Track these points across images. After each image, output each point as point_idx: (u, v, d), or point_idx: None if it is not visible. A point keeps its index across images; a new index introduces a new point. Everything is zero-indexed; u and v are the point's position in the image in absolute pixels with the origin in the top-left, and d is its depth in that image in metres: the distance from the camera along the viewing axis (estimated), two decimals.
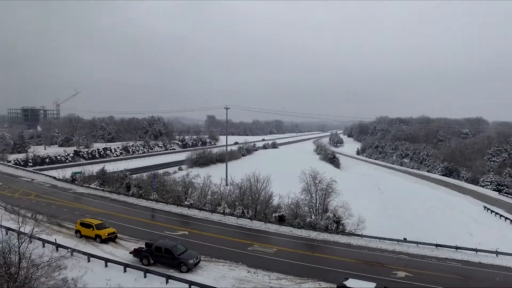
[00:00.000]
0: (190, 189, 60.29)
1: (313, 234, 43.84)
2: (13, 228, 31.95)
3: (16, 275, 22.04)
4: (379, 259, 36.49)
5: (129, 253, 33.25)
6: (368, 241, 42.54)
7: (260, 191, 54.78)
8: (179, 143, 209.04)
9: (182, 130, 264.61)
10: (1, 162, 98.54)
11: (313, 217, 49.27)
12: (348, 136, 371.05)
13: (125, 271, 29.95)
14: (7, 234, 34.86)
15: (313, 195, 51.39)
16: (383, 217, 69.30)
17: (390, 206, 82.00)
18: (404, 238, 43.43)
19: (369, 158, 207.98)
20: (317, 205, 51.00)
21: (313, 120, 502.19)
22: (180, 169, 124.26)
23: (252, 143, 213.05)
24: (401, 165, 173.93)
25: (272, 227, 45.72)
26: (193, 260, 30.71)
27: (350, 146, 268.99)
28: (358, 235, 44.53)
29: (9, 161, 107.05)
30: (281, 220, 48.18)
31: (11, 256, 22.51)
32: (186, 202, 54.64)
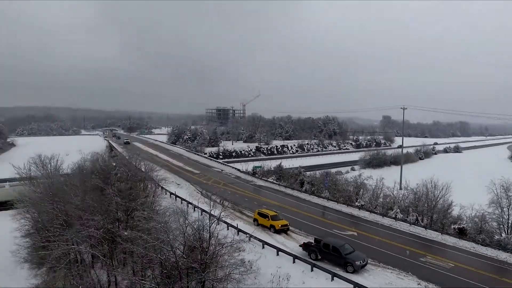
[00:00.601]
0: (362, 190, 59.61)
1: (502, 256, 37.81)
2: (206, 210, 37.65)
3: (207, 249, 26.23)
4: None
5: (299, 246, 35.20)
6: None
7: (438, 199, 50.26)
8: (353, 143, 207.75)
9: (356, 130, 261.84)
10: (200, 154, 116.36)
11: (503, 235, 42.61)
12: None
13: (294, 262, 31.94)
14: (201, 214, 41.24)
15: (505, 209, 44.40)
16: None
17: None
18: None
19: None
20: (510, 221, 43.87)
21: (509, 122, 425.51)
22: (352, 169, 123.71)
23: (431, 146, 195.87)
24: None
25: (450, 240, 41.47)
26: (360, 262, 30.58)
27: None
28: None
29: (205, 153, 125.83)
30: (461, 233, 43.29)
31: (204, 233, 26.83)
32: (356, 203, 54.34)
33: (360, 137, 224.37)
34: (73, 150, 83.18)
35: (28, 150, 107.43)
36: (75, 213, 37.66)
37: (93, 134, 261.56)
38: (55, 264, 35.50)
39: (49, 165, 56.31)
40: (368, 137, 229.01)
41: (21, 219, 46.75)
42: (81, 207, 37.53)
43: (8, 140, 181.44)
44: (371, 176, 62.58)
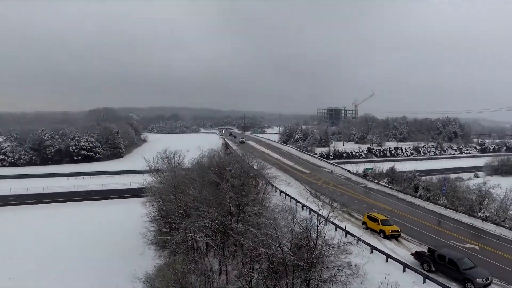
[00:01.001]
0: (487, 199, 53.64)
1: None
2: (315, 209, 37.99)
3: (313, 249, 26.57)
4: None
5: (410, 254, 33.37)
6: None
7: None
8: (477, 147, 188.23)
9: (481, 132, 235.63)
10: (310, 154, 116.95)
11: None
12: None
13: (404, 271, 30.37)
14: (310, 213, 41.72)
15: None
16: None
17: None
18: None
19: None
20: None
21: None
22: (476, 176, 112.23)
23: None
24: None
25: None
26: (483, 280, 27.38)
27: None
28: None
29: (316, 153, 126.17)
30: None
31: (311, 232, 27.21)
32: (479, 213, 49.14)
33: (487, 141, 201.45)
34: (193, 147, 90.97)
35: (157, 145, 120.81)
36: (193, 205, 41.52)
37: (210, 133, 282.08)
38: (175, 248, 39.92)
39: (173, 160, 62.69)
40: (497, 141, 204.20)
41: (150, 206, 53.49)
42: (198, 199, 41.17)
43: (142, 136, 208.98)
44: (499, 185, 56.06)
